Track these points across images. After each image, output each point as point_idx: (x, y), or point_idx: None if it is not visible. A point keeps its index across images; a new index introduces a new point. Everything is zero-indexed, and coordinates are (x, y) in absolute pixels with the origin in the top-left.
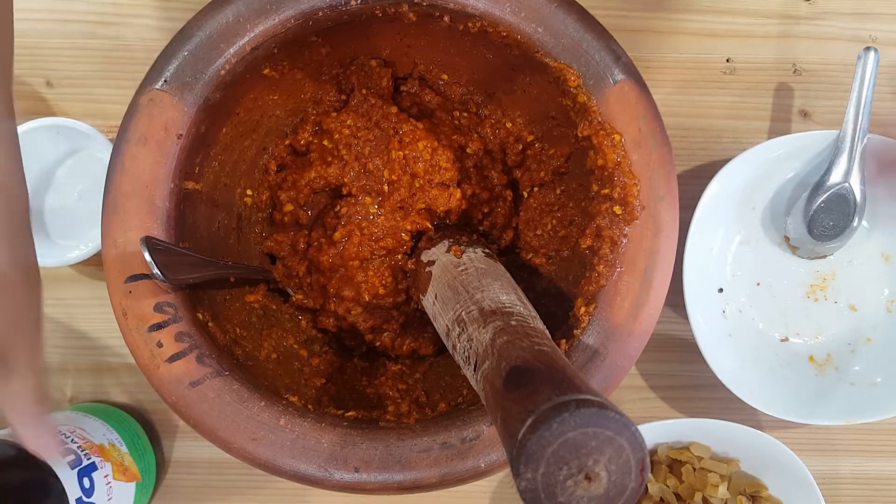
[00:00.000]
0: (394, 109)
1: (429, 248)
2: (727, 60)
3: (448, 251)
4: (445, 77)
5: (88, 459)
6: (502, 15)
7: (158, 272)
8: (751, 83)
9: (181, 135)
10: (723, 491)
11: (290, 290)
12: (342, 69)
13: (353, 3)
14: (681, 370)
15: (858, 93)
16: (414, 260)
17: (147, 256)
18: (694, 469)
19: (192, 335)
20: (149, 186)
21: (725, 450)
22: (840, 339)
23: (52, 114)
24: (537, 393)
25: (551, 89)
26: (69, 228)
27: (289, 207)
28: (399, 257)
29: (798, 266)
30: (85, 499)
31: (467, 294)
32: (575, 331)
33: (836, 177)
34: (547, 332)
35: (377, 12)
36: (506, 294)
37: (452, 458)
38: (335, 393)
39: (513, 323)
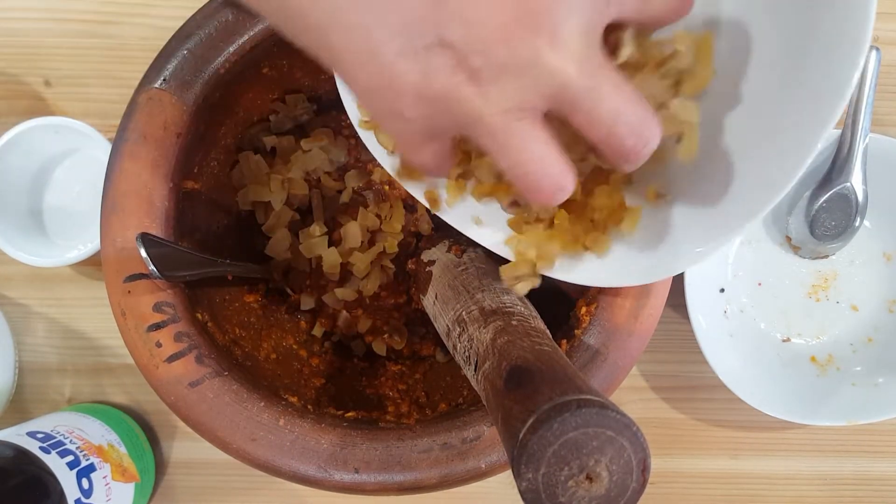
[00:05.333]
0: None
1: (429, 248)
2: None
3: (448, 251)
4: None
5: (87, 460)
6: None
7: (154, 268)
8: None
9: (180, 134)
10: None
11: (289, 290)
12: None
13: None
14: (682, 371)
15: (860, 92)
16: (414, 260)
17: (143, 252)
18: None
19: (191, 335)
20: (147, 186)
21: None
22: (842, 340)
23: (51, 113)
24: (538, 393)
25: None
26: (68, 228)
27: None
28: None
29: (800, 266)
30: (84, 499)
31: (468, 294)
32: (576, 331)
33: (837, 176)
34: (548, 331)
35: None
36: (506, 294)
37: (453, 459)
38: (335, 393)
39: (514, 323)
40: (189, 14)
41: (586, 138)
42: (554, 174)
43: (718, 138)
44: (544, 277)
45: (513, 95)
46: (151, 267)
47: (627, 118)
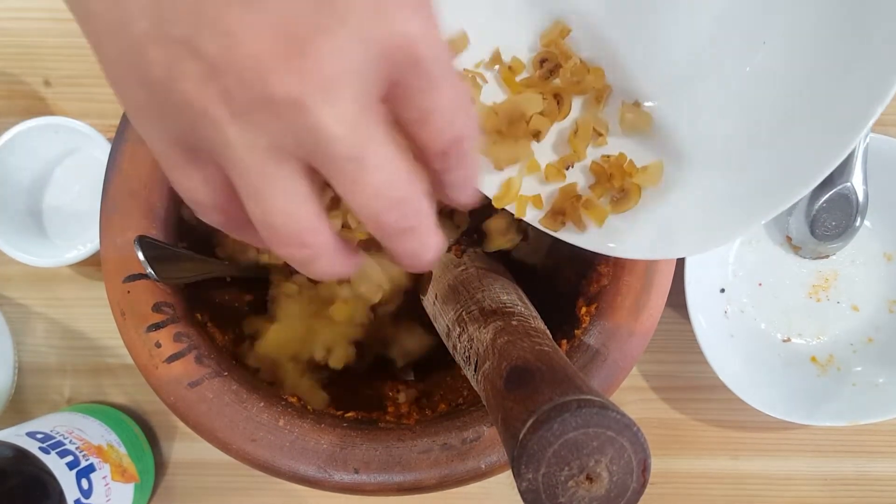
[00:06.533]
0: None
1: None
2: None
3: (448, 251)
4: None
5: (87, 460)
6: None
7: (152, 271)
8: None
9: None
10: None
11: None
12: None
13: None
14: (682, 371)
15: None
16: None
17: (140, 255)
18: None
19: (190, 335)
20: (147, 186)
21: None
22: (842, 340)
23: (51, 113)
24: (538, 393)
25: None
26: (67, 228)
27: None
28: None
29: (800, 266)
30: (83, 500)
31: (468, 294)
32: (576, 331)
33: (838, 177)
34: (548, 331)
35: None
36: (506, 294)
37: (452, 460)
38: (334, 393)
39: (514, 323)
40: None
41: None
42: (302, 234)
43: (756, 125)
44: (544, 276)
45: (268, 135)
46: (149, 270)
47: (394, 201)
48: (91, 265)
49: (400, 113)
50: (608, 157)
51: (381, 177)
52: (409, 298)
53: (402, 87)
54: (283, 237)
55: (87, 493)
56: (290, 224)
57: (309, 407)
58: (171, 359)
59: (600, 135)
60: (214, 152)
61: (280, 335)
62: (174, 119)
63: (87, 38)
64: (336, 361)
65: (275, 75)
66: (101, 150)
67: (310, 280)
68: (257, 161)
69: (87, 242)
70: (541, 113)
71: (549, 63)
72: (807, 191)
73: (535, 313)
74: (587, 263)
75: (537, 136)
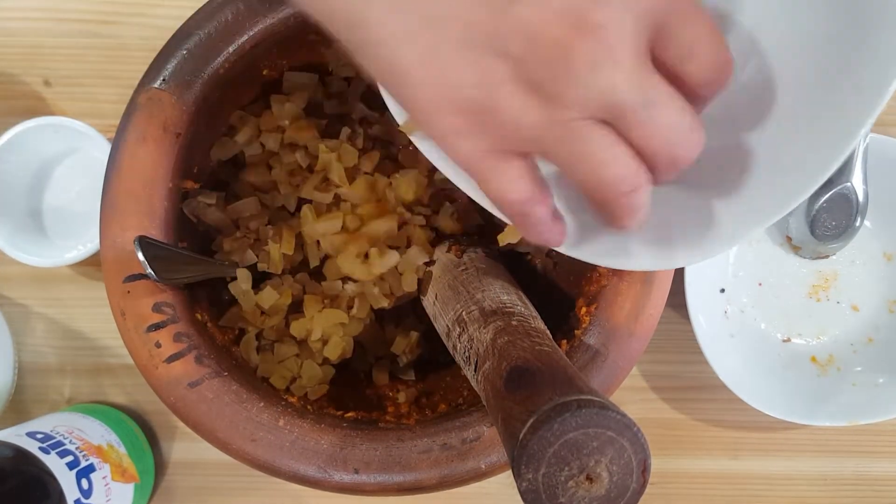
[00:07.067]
0: None
1: None
2: None
3: (448, 251)
4: None
5: (87, 460)
6: None
7: (152, 272)
8: None
9: (180, 134)
10: None
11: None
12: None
13: None
14: (682, 371)
15: None
16: None
17: (140, 256)
18: None
19: (190, 335)
20: (147, 186)
21: None
22: (842, 340)
23: (51, 113)
24: (538, 393)
25: None
26: (67, 228)
27: None
28: None
29: (800, 266)
30: (83, 500)
31: (468, 294)
32: (576, 331)
33: (838, 176)
34: (548, 332)
35: None
36: (506, 294)
37: (452, 460)
38: (335, 394)
39: (514, 323)
40: (189, 14)
41: (639, 147)
42: (632, 173)
43: (753, 130)
44: (544, 276)
45: (576, 106)
46: (149, 270)
47: (681, 130)
48: (91, 265)
49: (664, 54)
50: None
51: (670, 115)
52: (409, 298)
53: (664, 31)
54: (615, 185)
55: (87, 494)
56: (620, 169)
57: (309, 407)
58: (171, 359)
59: None
60: (529, 141)
61: (278, 297)
62: (491, 128)
63: (398, 96)
64: (332, 352)
65: (572, 53)
66: (101, 149)
67: (312, 279)
68: (575, 130)
69: (87, 242)
70: None
71: None
72: (806, 195)
73: (535, 313)
74: (587, 263)
75: None
